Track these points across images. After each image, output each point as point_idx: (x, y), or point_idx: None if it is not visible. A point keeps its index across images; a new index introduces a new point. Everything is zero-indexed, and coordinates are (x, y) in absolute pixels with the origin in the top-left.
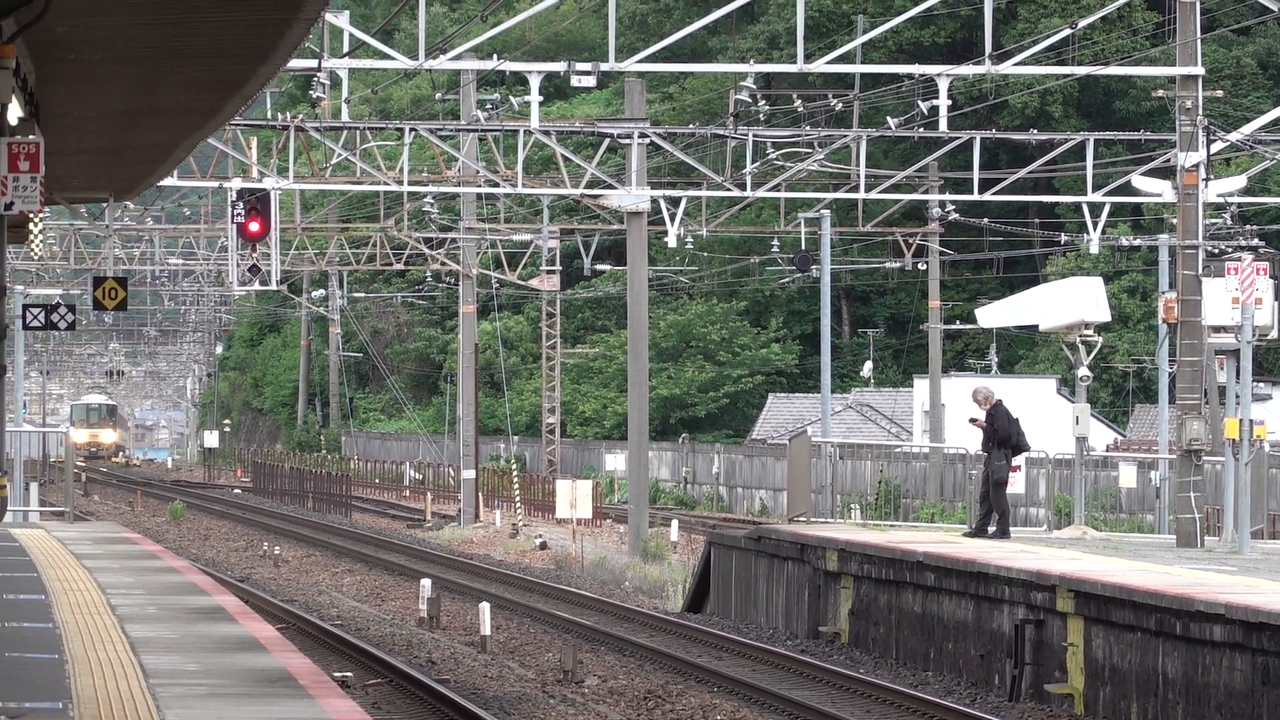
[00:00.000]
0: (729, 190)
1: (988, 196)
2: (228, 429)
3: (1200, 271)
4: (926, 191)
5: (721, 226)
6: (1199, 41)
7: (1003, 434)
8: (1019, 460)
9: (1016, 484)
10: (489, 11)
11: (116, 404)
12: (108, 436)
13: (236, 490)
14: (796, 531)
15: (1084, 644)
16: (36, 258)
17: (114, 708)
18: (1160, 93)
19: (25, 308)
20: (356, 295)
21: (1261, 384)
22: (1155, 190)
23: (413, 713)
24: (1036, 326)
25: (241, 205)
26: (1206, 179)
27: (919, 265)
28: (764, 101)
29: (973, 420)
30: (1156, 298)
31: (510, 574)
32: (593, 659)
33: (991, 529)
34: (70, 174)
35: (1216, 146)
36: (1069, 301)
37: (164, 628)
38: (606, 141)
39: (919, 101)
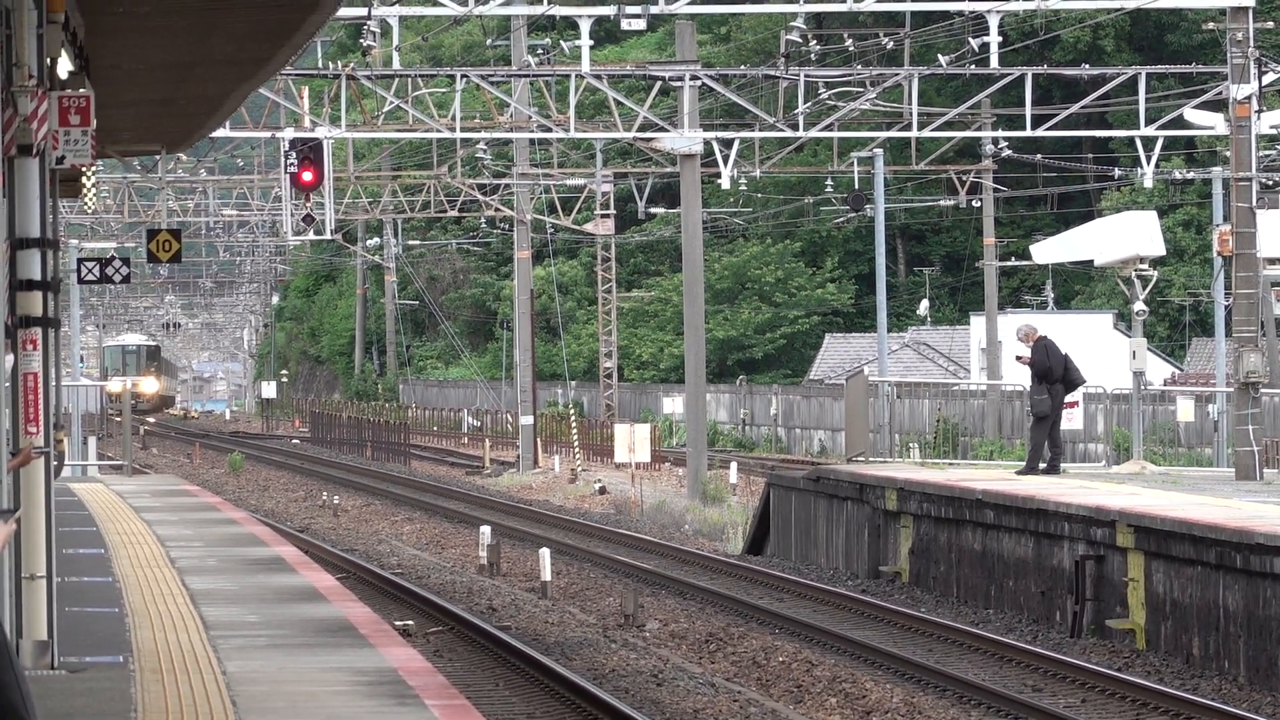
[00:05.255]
0: (781, 131)
1: (1040, 133)
2: (285, 379)
3: (1254, 204)
4: (979, 129)
5: (775, 167)
6: None
7: (1039, 369)
8: (1075, 395)
9: (1074, 420)
10: None
11: (159, 344)
12: (149, 385)
13: (295, 440)
14: (855, 471)
15: (1144, 579)
16: (90, 211)
17: (174, 660)
18: (1211, 25)
19: (80, 261)
20: (411, 243)
21: None
22: (1208, 123)
23: (474, 660)
24: (1092, 262)
25: (294, 155)
26: (1259, 111)
27: (973, 203)
28: (815, 41)
29: (1019, 358)
30: (1211, 231)
31: (570, 519)
32: (653, 603)
33: (1043, 465)
34: (121, 127)
35: (1268, 78)
36: (1124, 236)
37: (224, 579)
38: (658, 84)
39: (970, 38)
